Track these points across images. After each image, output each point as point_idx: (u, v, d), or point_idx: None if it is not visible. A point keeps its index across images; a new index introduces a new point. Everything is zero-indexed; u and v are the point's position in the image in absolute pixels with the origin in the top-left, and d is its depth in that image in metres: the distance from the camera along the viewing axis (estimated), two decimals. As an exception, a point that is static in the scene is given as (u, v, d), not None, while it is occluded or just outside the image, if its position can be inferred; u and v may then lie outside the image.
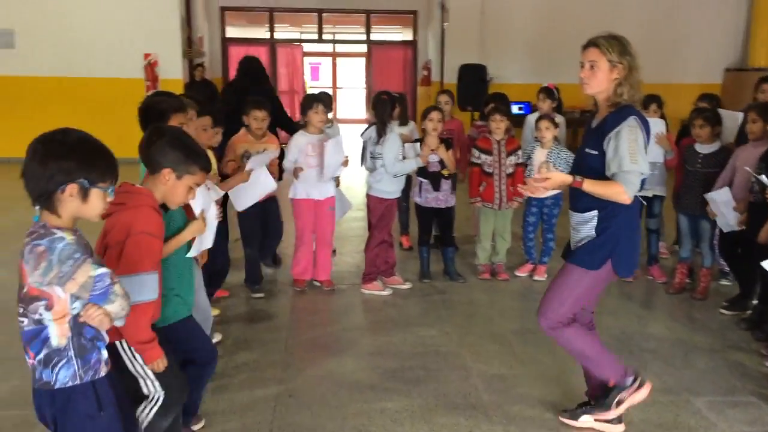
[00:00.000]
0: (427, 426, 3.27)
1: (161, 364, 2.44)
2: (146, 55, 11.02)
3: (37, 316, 1.93)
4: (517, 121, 8.51)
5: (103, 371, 2.07)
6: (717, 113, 4.95)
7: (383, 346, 4.25)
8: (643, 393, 3.15)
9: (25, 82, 10.82)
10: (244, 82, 6.36)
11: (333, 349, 4.26)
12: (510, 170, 5.36)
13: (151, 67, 11.09)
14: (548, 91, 6.25)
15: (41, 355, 1.96)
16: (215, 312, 4.60)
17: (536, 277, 5.52)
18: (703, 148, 4.91)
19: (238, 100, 5.42)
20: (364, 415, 3.36)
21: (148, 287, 2.36)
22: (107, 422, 2.06)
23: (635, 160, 2.78)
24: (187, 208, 2.88)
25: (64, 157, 1.92)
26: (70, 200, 1.94)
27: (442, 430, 3.23)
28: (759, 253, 3.83)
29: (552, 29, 12.24)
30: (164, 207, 2.61)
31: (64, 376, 1.97)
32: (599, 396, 3.20)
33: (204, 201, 2.99)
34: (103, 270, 1.93)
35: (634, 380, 3.14)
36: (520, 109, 11.99)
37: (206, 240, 3.07)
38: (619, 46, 2.83)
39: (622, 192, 2.81)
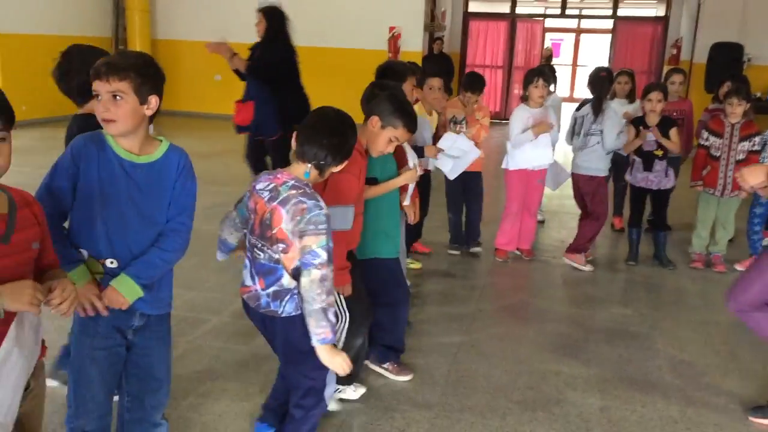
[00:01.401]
0: (599, 394, 3.32)
1: (347, 289, 2.81)
2: (391, 28, 11.76)
3: (276, 256, 2.29)
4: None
5: None
6: None
7: (571, 317, 4.30)
8: None
9: (288, 50, 12.15)
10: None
11: (521, 312, 4.41)
12: (741, 156, 4.97)
13: (394, 40, 11.81)
14: None
15: (272, 289, 2.33)
16: (417, 266, 5.01)
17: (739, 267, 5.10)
18: None
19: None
20: (539, 375, 3.49)
21: (344, 218, 2.71)
22: None
23: None
24: (401, 159, 3.22)
25: (355, 136, 2.41)
26: (333, 171, 2.38)
27: (615, 401, 3.26)
28: None
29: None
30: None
31: (289, 308, 2.34)
32: None
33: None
34: (321, 253, 2.18)
35: None
36: (781, 94, 10.77)
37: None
38: None
39: None
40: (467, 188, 5.25)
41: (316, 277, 2.18)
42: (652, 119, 5.04)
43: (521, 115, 5.02)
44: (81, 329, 2.14)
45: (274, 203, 2.24)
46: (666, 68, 12.94)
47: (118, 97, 1.97)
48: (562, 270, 5.18)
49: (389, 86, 3.22)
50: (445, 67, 11.78)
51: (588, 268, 5.16)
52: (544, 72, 5.22)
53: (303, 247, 2.19)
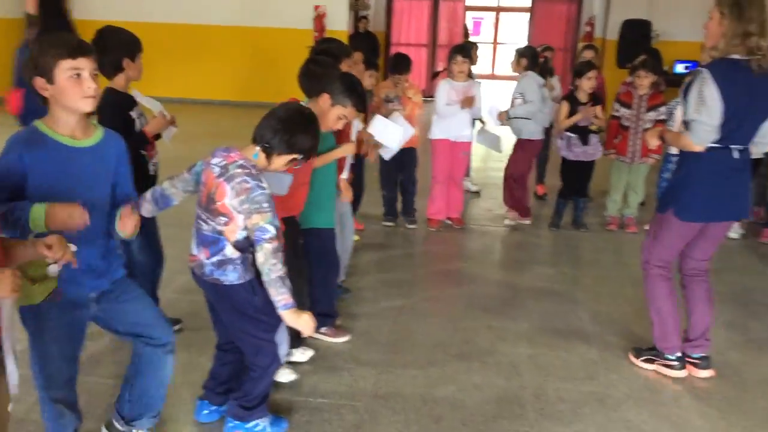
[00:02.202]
0: (527, 343, 3.64)
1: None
2: (316, 7, 11.80)
3: (218, 227, 2.45)
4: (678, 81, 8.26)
5: (253, 271, 2.57)
6: None
7: (501, 279, 4.62)
8: (677, 374, 3.31)
9: (210, 30, 12.00)
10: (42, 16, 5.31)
11: (455, 276, 4.70)
12: (648, 125, 5.36)
13: (319, 19, 11.85)
14: None
15: (215, 258, 2.48)
16: (355, 238, 5.20)
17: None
18: None
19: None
20: (473, 330, 3.78)
21: (282, 184, 2.85)
22: (261, 300, 2.54)
23: (698, 111, 2.91)
24: (345, 130, 3.39)
25: (310, 136, 2.48)
26: (282, 162, 2.49)
27: (541, 348, 3.58)
28: None
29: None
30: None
31: (233, 277, 2.50)
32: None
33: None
34: (269, 228, 2.35)
35: (679, 360, 3.31)
36: (686, 68, 11.47)
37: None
38: None
39: (689, 141, 2.98)
40: (403, 164, 5.44)
41: (269, 250, 2.34)
42: (583, 96, 5.40)
43: (445, 88, 5.28)
44: (32, 314, 2.20)
45: (222, 179, 2.40)
46: (580, 45, 13.55)
47: (94, 74, 2.08)
48: (491, 237, 5.50)
49: (325, 62, 3.37)
50: (371, 45, 11.98)
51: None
52: (464, 48, 5.50)
53: (252, 225, 2.35)
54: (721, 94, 2.88)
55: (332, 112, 3.00)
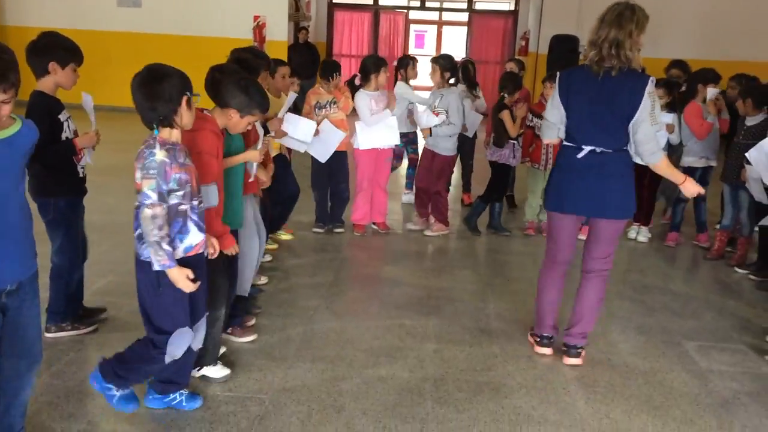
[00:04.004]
0: (435, 339, 3.81)
1: (235, 249, 3.15)
2: (255, 17, 11.90)
3: (136, 203, 2.57)
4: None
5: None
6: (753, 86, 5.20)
7: (419, 281, 4.79)
8: (541, 351, 3.67)
9: (149, 38, 11.99)
10: None
11: (374, 278, 4.86)
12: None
13: (259, 29, 11.96)
14: None
15: (137, 232, 2.64)
16: (287, 237, 5.35)
17: (580, 236, 5.81)
18: (749, 120, 5.04)
19: None
20: (384, 328, 3.94)
21: (211, 195, 2.98)
22: (171, 290, 2.66)
23: (547, 110, 3.39)
24: (252, 134, 3.52)
25: (173, 82, 2.59)
26: (187, 114, 2.63)
27: (447, 344, 3.76)
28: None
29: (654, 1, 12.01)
30: None
31: (147, 253, 2.60)
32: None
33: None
34: (151, 194, 2.47)
35: (541, 339, 3.67)
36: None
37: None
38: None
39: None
40: (333, 168, 5.58)
41: (147, 215, 2.50)
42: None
43: (365, 99, 5.45)
44: None
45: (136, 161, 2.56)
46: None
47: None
48: (414, 241, 5.69)
49: (228, 69, 3.47)
50: (311, 56, 12.14)
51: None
52: (385, 61, 5.69)
53: (138, 190, 2.51)
54: (561, 96, 3.27)
55: (243, 122, 3.13)
